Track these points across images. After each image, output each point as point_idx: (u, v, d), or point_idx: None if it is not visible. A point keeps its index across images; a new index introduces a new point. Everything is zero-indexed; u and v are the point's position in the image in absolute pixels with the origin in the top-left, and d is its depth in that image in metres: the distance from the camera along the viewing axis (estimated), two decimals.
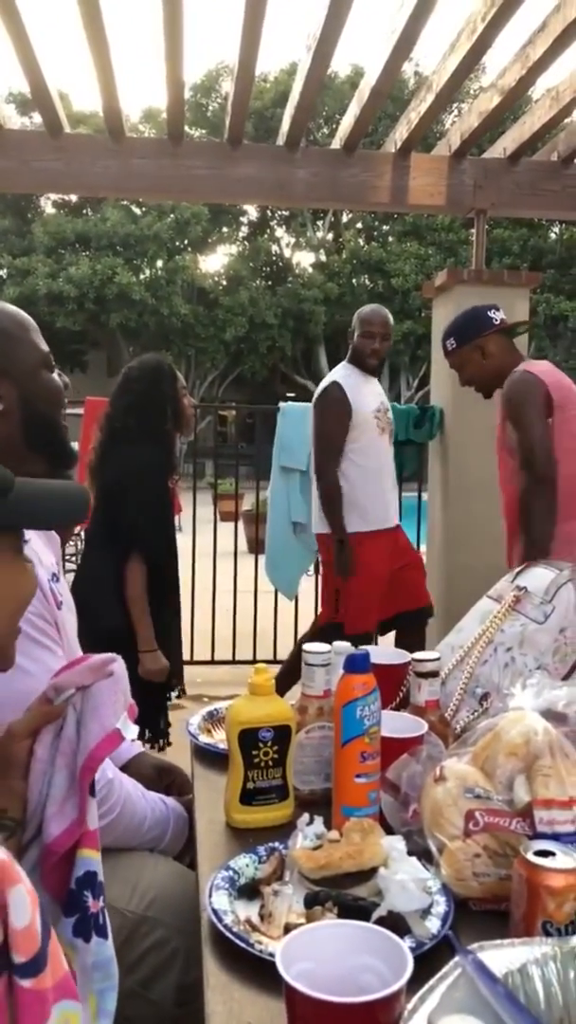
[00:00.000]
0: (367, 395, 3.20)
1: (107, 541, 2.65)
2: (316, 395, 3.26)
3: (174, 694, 2.89)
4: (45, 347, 1.22)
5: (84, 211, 23.93)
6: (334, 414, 3.15)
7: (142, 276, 22.94)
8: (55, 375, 1.24)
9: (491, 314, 2.63)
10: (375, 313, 3.29)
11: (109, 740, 0.91)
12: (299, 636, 3.94)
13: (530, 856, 0.83)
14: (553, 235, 24.91)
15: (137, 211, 23.53)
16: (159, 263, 23.20)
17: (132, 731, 0.94)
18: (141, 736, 2.68)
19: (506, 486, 2.61)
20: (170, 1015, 1.16)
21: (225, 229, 26.22)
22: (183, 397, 2.74)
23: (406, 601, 3.24)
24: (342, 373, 3.26)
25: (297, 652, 3.41)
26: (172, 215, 22.58)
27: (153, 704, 2.73)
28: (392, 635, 3.38)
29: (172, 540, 2.81)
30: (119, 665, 0.97)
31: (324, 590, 3.33)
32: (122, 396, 2.70)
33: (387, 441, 3.26)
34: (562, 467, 2.40)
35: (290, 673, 3.15)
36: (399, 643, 3.17)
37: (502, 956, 0.71)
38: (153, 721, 2.74)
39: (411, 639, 3.11)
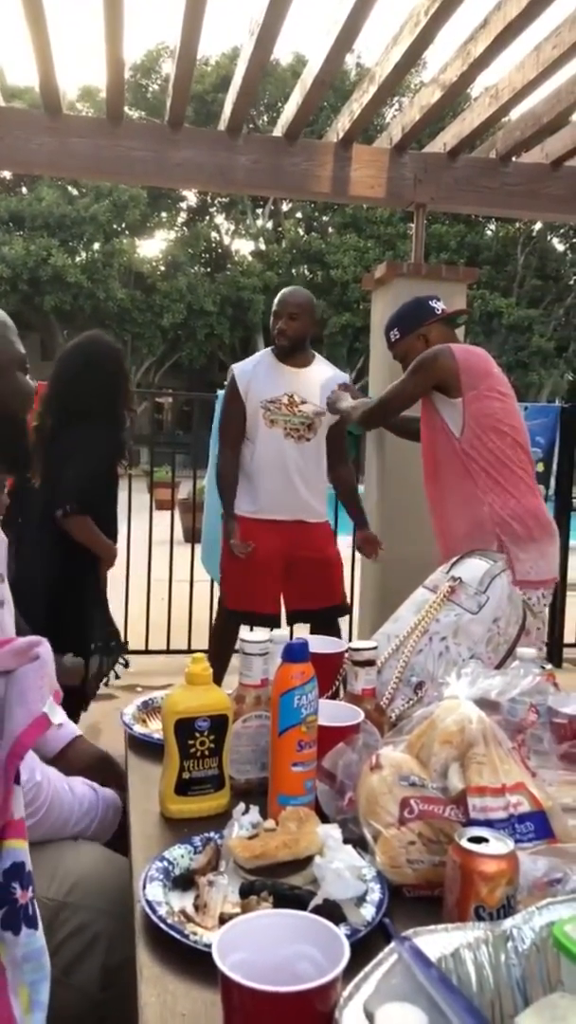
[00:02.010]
0: (268, 385, 3.12)
1: (41, 534, 2.57)
2: None
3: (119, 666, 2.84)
4: (22, 349, 1.26)
5: (19, 188, 23.34)
6: (226, 401, 3.20)
7: (78, 258, 22.52)
8: (27, 378, 1.28)
9: (432, 303, 2.70)
10: (286, 293, 3.18)
11: (36, 725, 0.89)
12: None
13: (464, 843, 0.84)
14: (489, 232, 25.35)
15: (74, 192, 23.06)
16: (96, 246, 22.81)
17: (59, 715, 0.92)
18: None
19: (427, 453, 2.66)
20: (94, 1000, 1.14)
21: (164, 214, 25.93)
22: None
23: (315, 599, 3.23)
24: (252, 359, 3.24)
25: (215, 634, 3.42)
26: (109, 197, 22.19)
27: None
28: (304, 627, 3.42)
29: (113, 520, 2.77)
30: (45, 648, 0.95)
31: None
32: (89, 376, 2.61)
33: (281, 434, 3.12)
34: (484, 440, 2.46)
35: (217, 656, 3.17)
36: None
37: (436, 941, 0.72)
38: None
39: (324, 634, 3.14)
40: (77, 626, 2.62)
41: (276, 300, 3.16)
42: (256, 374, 3.14)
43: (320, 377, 3.21)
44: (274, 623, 3.20)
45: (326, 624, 3.26)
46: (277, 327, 3.12)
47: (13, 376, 1.26)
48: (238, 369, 3.19)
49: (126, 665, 2.88)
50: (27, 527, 2.60)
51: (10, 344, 1.27)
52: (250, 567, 3.12)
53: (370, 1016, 0.59)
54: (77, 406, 2.59)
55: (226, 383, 3.25)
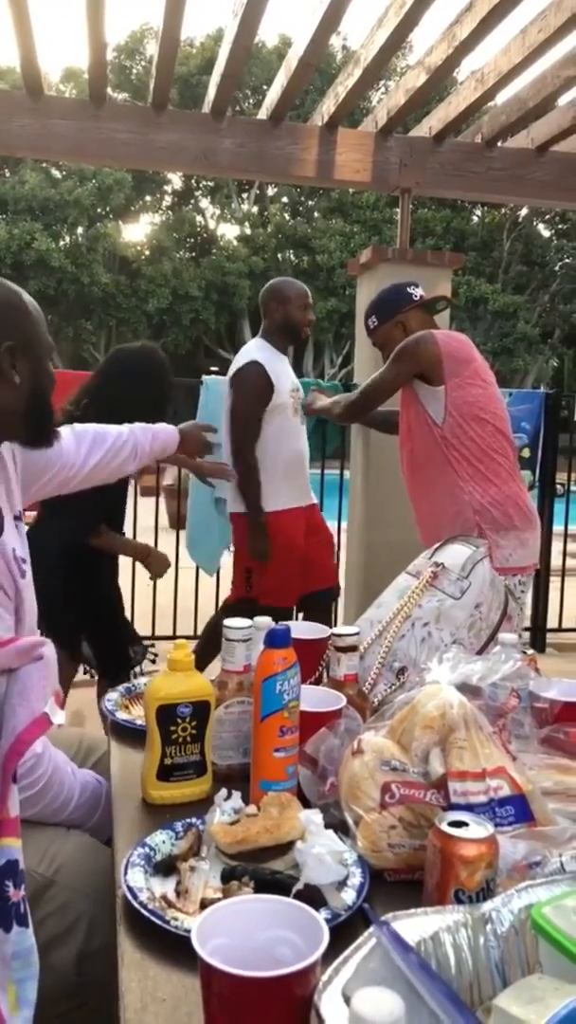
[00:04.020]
0: (283, 375, 3.14)
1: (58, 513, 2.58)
2: (234, 373, 3.14)
3: (144, 661, 2.85)
4: (51, 340, 1.40)
5: (2, 171, 23.08)
6: (256, 395, 3.05)
7: (62, 243, 22.30)
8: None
9: (410, 290, 2.67)
10: (302, 286, 3.22)
11: (37, 724, 0.90)
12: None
13: (444, 827, 0.85)
14: (475, 218, 25.30)
15: (57, 175, 22.82)
16: (80, 230, 22.59)
17: (59, 716, 0.92)
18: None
19: (405, 442, 2.65)
20: (69, 983, 1.15)
21: (148, 197, 25.71)
22: None
23: (316, 581, 3.23)
24: (261, 352, 3.13)
25: (209, 631, 3.36)
26: (93, 180, 21.97)
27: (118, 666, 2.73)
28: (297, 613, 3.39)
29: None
30: (49, 649, 0.95)
31: (235, 569, 3.26)
32: (149, 386, 2.62)
33: (299, 421, 3.20)
34: (466, 429, 2.45)
35: (205, 649, 3.13)
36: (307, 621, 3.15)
37: (415, 924, 0.73)
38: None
39: (318, 618, 3.12)
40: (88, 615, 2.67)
41: (294, 294, 3.15)
42: (274, 365, 3.10)
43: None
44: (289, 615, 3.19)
45: (321, 608, 3.25)
46: (308, 318, 3.17)
47: (48, 362, 1.36)
48: (264, 360, 3.08)
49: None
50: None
51: (46, 334, 1.37)
52: (287, 565, 3.09)
53: (348, 1000, 0.60)
54: (132, 413, 2.61)
55: (244, 375, 3.07)
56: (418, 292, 2.67)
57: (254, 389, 3.05)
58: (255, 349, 3.16)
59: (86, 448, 1.65)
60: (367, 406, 2.75)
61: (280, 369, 3.13)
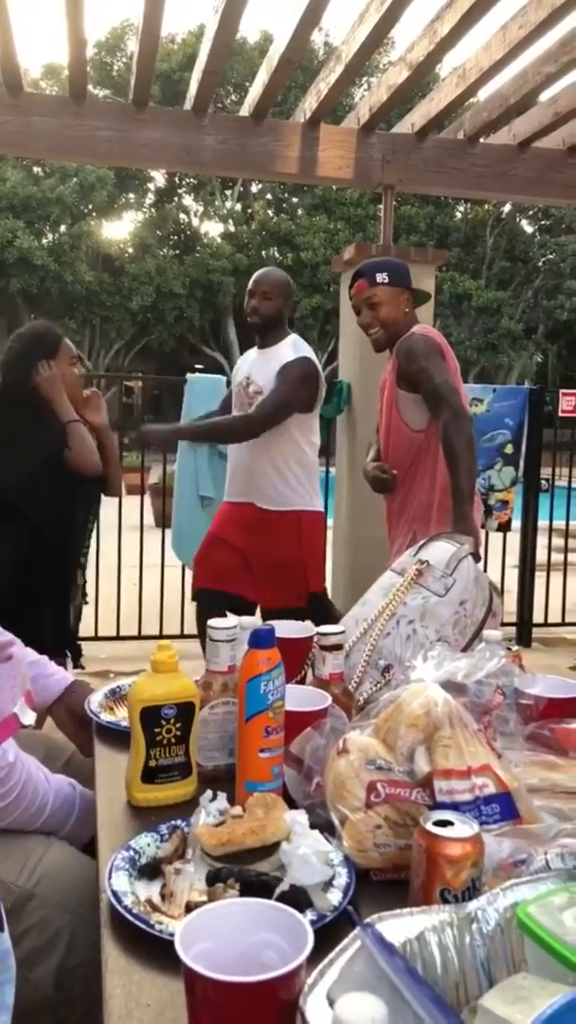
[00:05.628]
0: (240, 371, 3.17)
1: None
2: None
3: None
4: None
5: None
6: None
7: (44, 240, 22.16)
8: None
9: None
10: (259, 273, 3.14)
11: (6, 725, 0.88)
12: None
13: (429, 826, 0.85)
14: (459, 214, 25.33)
15: (39, 172, 22.67)
16: (62, 228, 22.44)
17: (29, 716, 0.91)
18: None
19: (392, 447, 2.65)
20: (47, 998, 1.14)
21: (131, 195, 25.58)
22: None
23: (276, 599, 3.08)
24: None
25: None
26: (76, 178, 21.83)
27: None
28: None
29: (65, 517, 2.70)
30: (18, 649, 0.94)
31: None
32: (7, 357, 2.65)
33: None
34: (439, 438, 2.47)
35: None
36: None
37: (401, 925, 0.72)
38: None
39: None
40: (30, 622, 2.42)
41: (251, 281, 3.12)
42: (242, 359, 3.24)
43: (274, 358, 3.06)
44: (245, 609, 3.12)
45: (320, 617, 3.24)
46: (250, 306, 3.08)
47: None
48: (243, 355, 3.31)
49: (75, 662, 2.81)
50: None
51: None
52: (216, 541, 3.13)
53: (332, 1004, 0.59)
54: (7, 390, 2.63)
55: None
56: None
57: None
58: None
59: None
60: (463, 405, 2.41)
61: (240, 364, 3.21)
